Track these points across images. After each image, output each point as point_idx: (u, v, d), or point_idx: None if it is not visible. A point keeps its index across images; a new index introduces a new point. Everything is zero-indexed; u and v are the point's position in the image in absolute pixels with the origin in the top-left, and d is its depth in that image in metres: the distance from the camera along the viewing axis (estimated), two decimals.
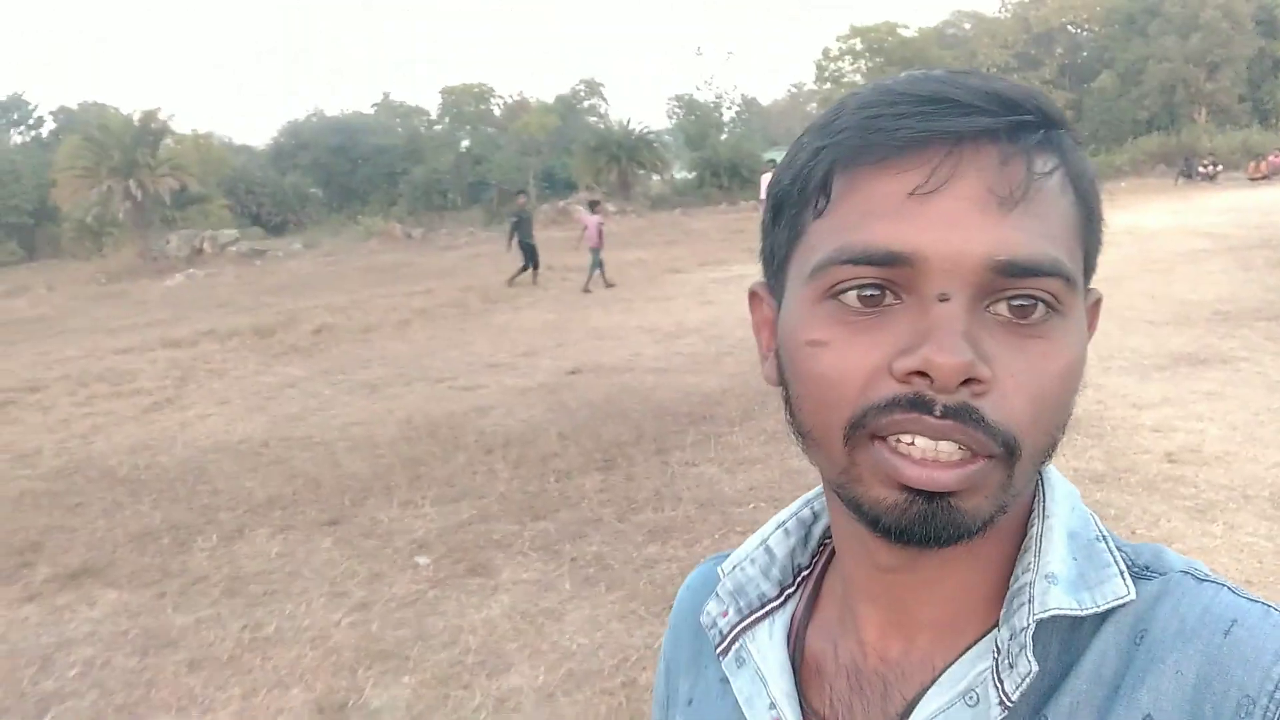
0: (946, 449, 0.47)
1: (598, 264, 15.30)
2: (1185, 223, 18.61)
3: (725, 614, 0.66)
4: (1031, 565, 0.53)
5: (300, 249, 29.80)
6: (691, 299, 13.27)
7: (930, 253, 0.47)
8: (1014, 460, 0.49)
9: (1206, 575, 0.53)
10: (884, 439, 0.49)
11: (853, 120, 0.50)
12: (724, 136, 49.56)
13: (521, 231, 16.18)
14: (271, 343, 11.88)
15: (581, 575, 4.35)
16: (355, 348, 11.25)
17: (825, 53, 44.27)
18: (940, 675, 0.55)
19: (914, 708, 0.55)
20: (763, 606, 0.65)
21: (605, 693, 3.37)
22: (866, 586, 0.59)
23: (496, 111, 60.68)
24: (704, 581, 0.71)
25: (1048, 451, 0.52)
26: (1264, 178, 31.97)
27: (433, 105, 62.79)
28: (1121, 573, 0.53)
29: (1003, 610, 0.54)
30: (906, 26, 42.89)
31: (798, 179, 0.53)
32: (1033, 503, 0.57)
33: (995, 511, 0.50)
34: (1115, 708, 0.49)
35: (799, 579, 0.67)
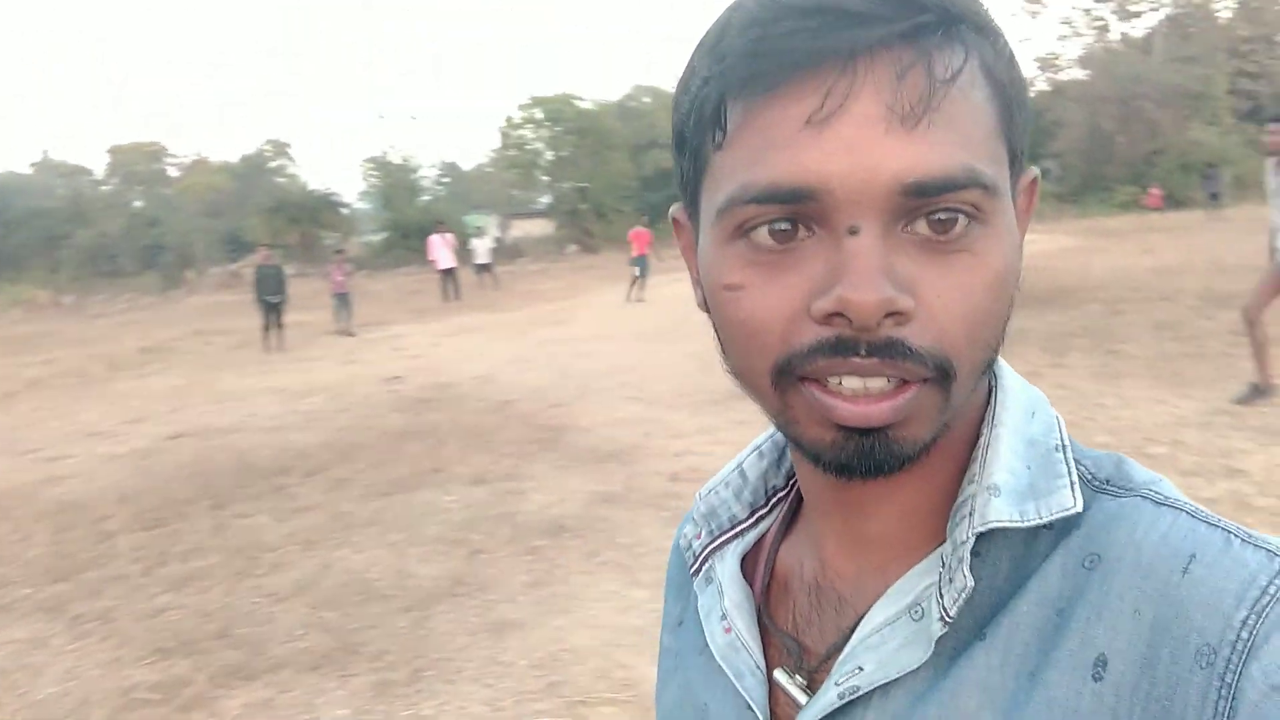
0: (877, 384, 0.46)
1: (343, 306, 16.55)
2: None
3: (699, 536, 0.66)
4: (977, 476, 0.51)
5: None
6: (336, 360, 13.29)
7: (835, 184, 0.44)
8: (949, 381, 0.47)
9: (1165, 497, 0.49)
10: (814, 380, 0.47)
11: (738, 43, 0.46)
12: (426, 199, 49.48)
13: (263, 288, 15.31)
14: None
15: (79, 630, 4.40)
16: None
17: (509, 120, 45.53)
18: (889, 589, 0.53)
19: (862, 620, 0.54)
20: (733, 528, 0.65)
21: None
22: (822, 503, 0.58)
23: (173, 172, 57.37)
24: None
25: (986, 364, 0.50)
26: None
27: (99, 165, 58.35)
28: (1072, 484, 0.50)
29: (948, 524, 0.52)
30: (582, 99, 45.08)
31: (693, 108, 0.49)
32: (985, 410, 0.54)
33: (935, 433, 0.48)
34: (1064, 639, 0.47)
35: (773, 500, 0.66)
